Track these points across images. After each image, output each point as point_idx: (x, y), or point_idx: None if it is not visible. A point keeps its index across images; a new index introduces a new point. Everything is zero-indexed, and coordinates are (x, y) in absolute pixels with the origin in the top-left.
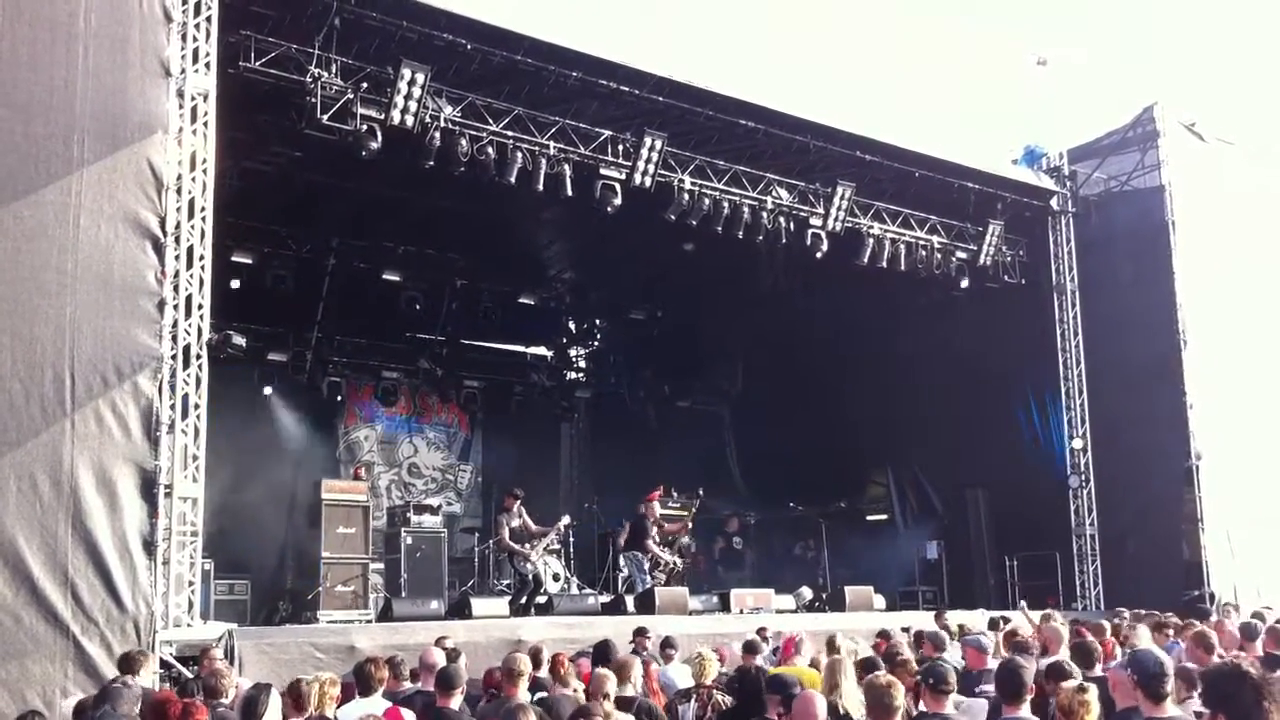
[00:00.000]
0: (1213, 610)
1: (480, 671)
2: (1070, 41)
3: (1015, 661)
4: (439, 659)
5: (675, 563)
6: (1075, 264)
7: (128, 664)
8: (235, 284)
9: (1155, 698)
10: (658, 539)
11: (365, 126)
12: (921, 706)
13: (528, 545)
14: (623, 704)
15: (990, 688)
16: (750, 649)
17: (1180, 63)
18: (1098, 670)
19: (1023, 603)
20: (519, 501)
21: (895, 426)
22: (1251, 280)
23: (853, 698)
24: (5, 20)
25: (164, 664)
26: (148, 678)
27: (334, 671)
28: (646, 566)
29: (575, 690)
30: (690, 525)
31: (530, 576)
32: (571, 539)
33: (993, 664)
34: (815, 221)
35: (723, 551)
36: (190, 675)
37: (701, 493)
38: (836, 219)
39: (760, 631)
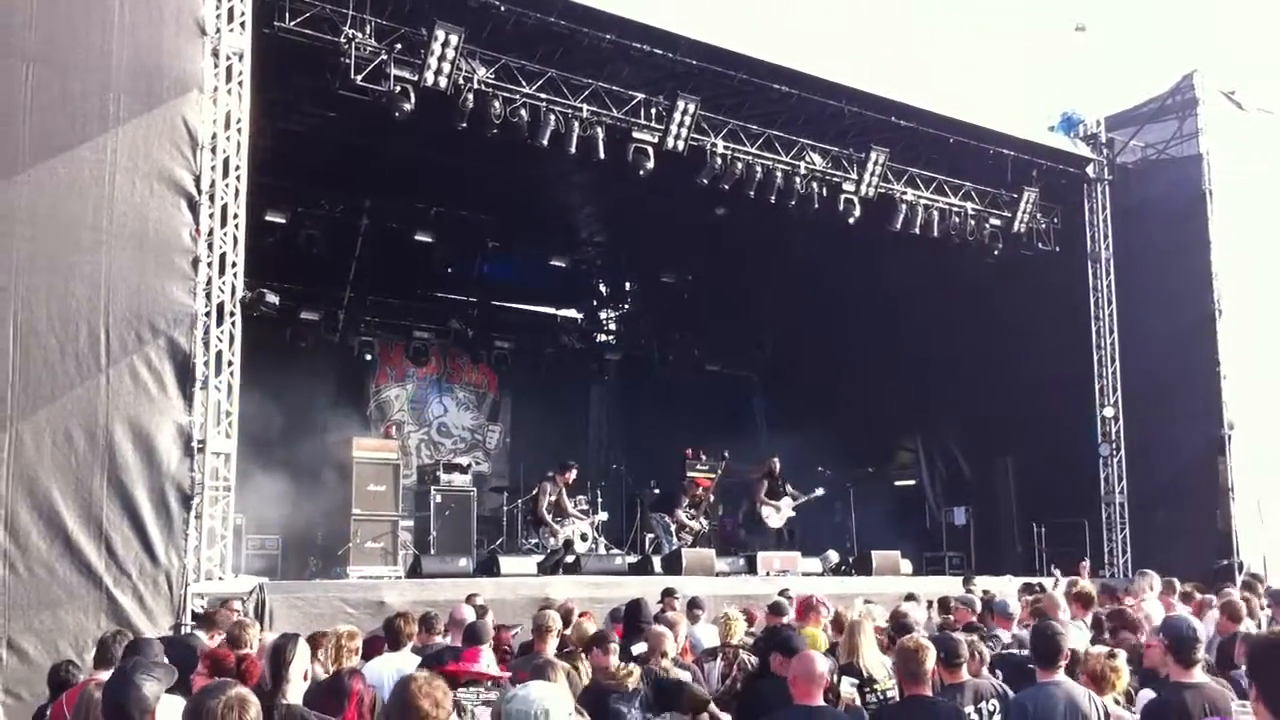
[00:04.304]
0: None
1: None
2: (1111, 7)
3: (1052, 626)
4: (468, 615)
5: (703, 527)
6: (1110, 232)
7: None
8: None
9: (1186, 663)
10: (688, 507)
11: (399, 87)
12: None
13: (558, 521)
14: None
15: (1012, 653)
16: (777, 610)
17: (1221, 30)
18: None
19: (1054, 569)
20: (570, 479)
21: (925, 393)
22: None
23: (873, 659)
24: None
25: (195, 617)
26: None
27: (363, 626)
28: (673, 529)
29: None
30: (712, 493)
31: (562, 543)
32: (600, 499)
33: (1018, 630)
34: (848, 187)
35: (747, 515)
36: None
37: (727, 455)
38: (870, 185)
39: (783, 593)
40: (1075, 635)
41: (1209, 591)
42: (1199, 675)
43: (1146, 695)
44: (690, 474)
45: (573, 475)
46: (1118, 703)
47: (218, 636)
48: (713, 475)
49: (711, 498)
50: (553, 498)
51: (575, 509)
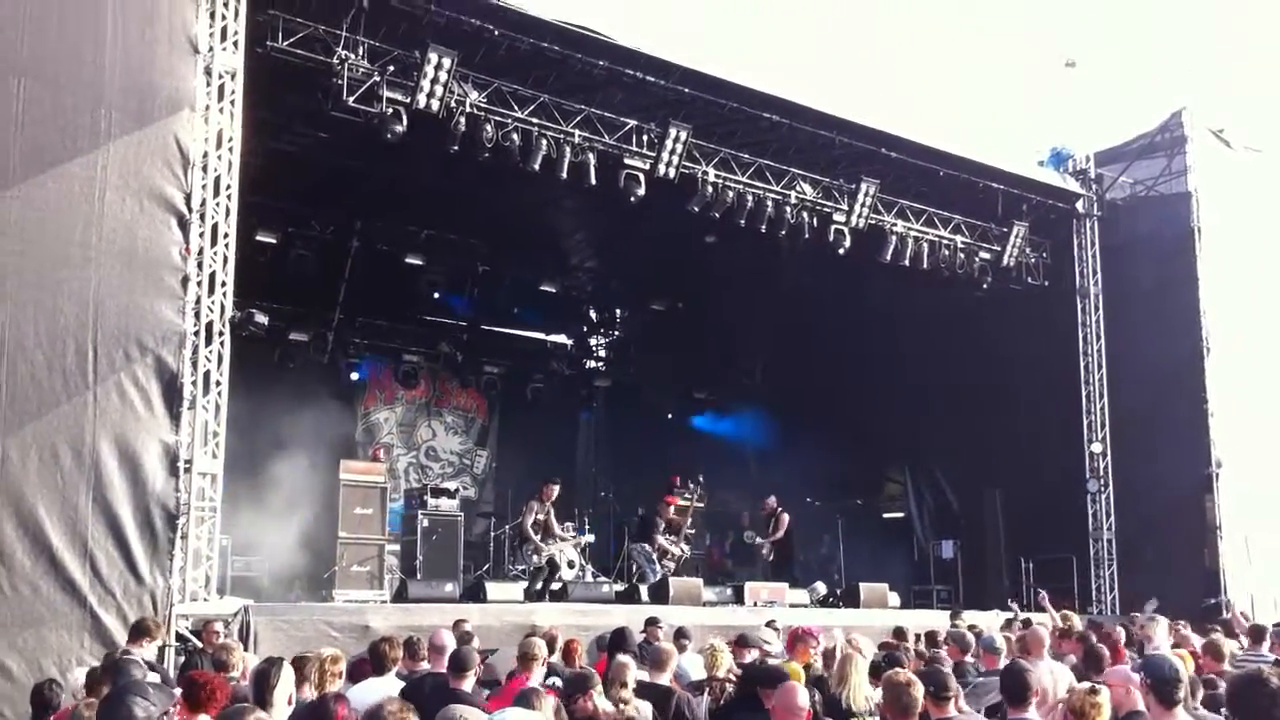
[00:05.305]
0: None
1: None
2: (1101, 44)
3: (1020, 664)
4: (448, 641)
5: (684, 552)
6: (1099, 268)
7: (138, 632)
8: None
9: (1168, 703)
10: (665, 532)
11: (391, 109)
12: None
13: (543, 540)
14: (658, 692)
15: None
16: (741, 642)
17: (1210, 68)
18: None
19: (1043, 594)
20: (554, 496)
21: (914, 425)
22: (1275, 289)
23: (859, 693)
24: None
25: (180, 637)
26: (152, 650)
27: (348, 650)
28: (655, 557)
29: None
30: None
31: (545, 561)
32: (587, 526)
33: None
34: (838, 218)
35: (733, 546)
36: (199, 646)
37: (701, 480)
38: (860, 215)
39: (770, 624)
40: (1061, 672)
41: (1199, 630)
42: (1181, 716)
43: None
44: (664, 499)
45: (555, 491)
46: None
47: (149, 644)
48: (689, 502)
49: (689, 520)
50: (540, 516)
51: (563, 532)
